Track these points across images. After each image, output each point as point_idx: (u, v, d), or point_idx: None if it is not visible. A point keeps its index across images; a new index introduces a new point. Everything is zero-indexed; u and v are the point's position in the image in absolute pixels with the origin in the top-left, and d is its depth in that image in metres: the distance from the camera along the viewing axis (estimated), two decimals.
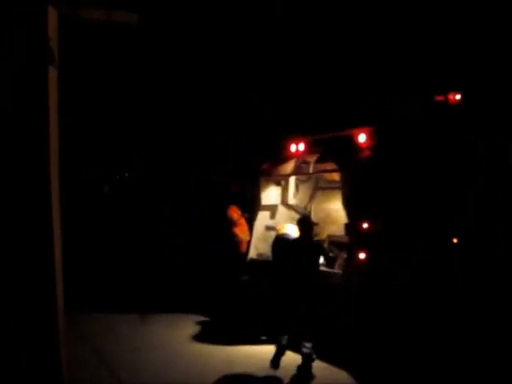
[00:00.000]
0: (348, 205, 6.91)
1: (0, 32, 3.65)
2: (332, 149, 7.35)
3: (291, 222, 8.09)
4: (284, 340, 6.19)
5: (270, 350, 6.43)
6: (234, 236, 8.71)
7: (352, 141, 7.16)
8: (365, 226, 6.67)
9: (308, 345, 6.10)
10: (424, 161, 7.13)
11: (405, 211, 6.91)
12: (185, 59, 11.45)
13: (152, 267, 10.19)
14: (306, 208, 9.07)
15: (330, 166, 7.54)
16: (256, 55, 11.20)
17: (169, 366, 6.32)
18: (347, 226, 6.90)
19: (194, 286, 9.42)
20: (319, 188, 9.29)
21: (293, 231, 7.47)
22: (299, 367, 6.14)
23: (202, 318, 8.67)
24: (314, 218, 8.70)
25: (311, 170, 8.49)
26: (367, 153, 7.10)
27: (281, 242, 7.45)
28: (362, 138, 7.16)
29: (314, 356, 6.13)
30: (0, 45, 3.66)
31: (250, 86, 11.27)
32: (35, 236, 3.71)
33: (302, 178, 8.98)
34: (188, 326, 8.28)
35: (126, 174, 12.79)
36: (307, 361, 6.11)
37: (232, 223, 8.75)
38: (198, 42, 11.28)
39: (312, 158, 8.26)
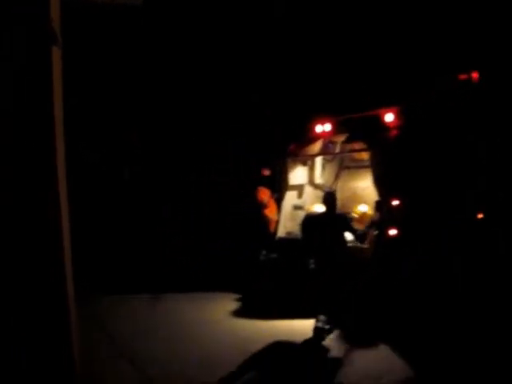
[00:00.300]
0: (378, 183, 7.12)
1: (1, 13, 3.59)
2: (361, 129, 7.52)
3: (318, 201, 8.36)
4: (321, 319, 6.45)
5: (304, 323, 6.74)
6: (264, 217, 8.92)
7: (379, 120, 7.34)
8: (395, 203, 6.89)
9: (322, 318, 6.38)
10: (449, 138, 7.28)
11: (431, 189, 7.09)
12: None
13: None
14: (331, 187, 9.27)
15: (359, 145, 7.73)
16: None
17: (215, 341, 6.57)
18: (378, 204, 7.12)
19: (224, 266, 9.68)
20: (344, 167, 9.49)
21: (321, 210, 7.74)
22: (311, 339, 6.40)
23: (236, 296, 8.95)
24: (339, 196, 8.91)
25: (338, 150, 8.70)
26: (394, 132, 7.29)
27: (308, 219, 7.70)
28: (389, 117, 7.34)
29: (330, 328, 6.39)
30: (1, 26, 3.59)
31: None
32: (43, 229, 3.62)
33: (328, 157, 9.18)
34: (224, 303, 8.58)
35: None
36: (319, 334, 6.38)
37: (262, 205, 8.96)
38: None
39: (339, 138, 8.47)
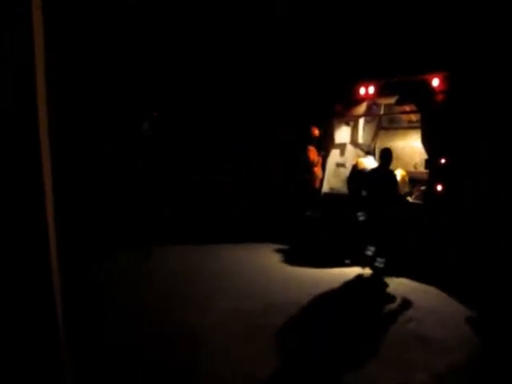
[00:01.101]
0: (427, 143, 7.78)
1: None
2: (410, 92, 8.12)
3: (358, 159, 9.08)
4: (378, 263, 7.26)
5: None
6: (313, 174, 9.56)
7: (427, 84, 7.93)
8: (442, 161, 7.58)
9: (381, 260, 7.19)
10: (491, 104, 7.82)
11: (474, 149, 7.74)
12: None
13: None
14: (370, 146, 9.92)
15: (410, 107, 8.36)
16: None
17: (268, 288, 7.19)
18: (427, 162, 7.80)
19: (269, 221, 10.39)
20: (381, 128, 10.12)
21: (370, 164, 8.44)
22: (371, 277, 7.29)
23: (284, 247, 9.69)
24: (377, 155, 9.59)
25: (382, 112, 9.33)
26: (440, 96, 7.90)
27: (360, 174, 8.38)
28: (435, 82, 7.94)
29: (384, 267, 7.19)
30: None
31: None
32: (28, 232, 3.42)
33: (368, 118, 9.80)
34: (273, 253, 9.34)
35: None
36: (378, 273, 7.22)
37: (312, 164, 9.58)
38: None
39: (382, 100, 9.09)
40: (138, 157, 11.88)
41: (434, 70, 8.03)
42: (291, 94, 11.26)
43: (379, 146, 9.98)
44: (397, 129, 9.80)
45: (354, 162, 8.91)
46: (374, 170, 7.71)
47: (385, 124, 10.06)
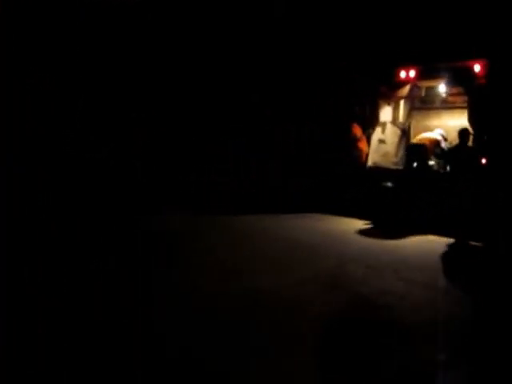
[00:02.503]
0: (474, 122, 8.94)
1: None
2: (455, 76, 9.23)
3: (396, 136, 10.18)
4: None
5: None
6: (358, 149, 10.61)
7: (470, 70, 9.06)
8: (485, 137, 8.77)
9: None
10: None
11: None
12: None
13: None
14: (405, 124, 11.02)
15: (457, 90, 9.50)
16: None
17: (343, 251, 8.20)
18: (474, 138, 8.95)
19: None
20: (415, 108, 11.23)
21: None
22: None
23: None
24: (412, 132, 10.73)
25: (424, 94, 10.44)
26: (482, 81, 9.05)
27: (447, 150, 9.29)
28: (477, 68, 9.08)
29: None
30: None
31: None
32: None
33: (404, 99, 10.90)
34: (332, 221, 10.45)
35: None
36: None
37: (356, 139, 10.61)
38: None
39: (424, 83, 10.21)
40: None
41: (475, 57, 9.16)
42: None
43: (414, 124, 11.13)
44: (429, 109, 10.93)
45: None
46: (457, 147, 8.70)
47: (417, 105, 11.17)
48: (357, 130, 10.64)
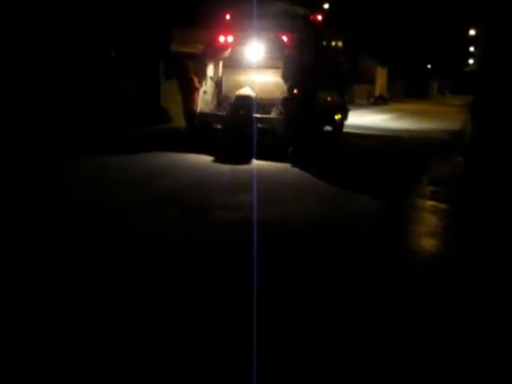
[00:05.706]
0: (286, 76, 11.92)
1: None
2: (269, 44, 12.01)
3: (211, 88, 12.88)
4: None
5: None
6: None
7: (281, 40, 11.95)
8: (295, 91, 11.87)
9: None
10: None
11: None
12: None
13: None
14: (218, 78, 13.47)
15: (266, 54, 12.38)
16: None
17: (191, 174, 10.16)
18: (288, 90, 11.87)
19: None
20: (229, 66, 13.77)
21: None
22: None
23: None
24: (225, 85, 13.29)
25: (239, 55, 13.08)
26: (291, 49, 12.02)
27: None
28: (285, 39, 12.03)
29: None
30: None
31: None
32: None
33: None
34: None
35: None
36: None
37: (196, 89, 12.74)
38: None
39: (241, 47, 12.82)
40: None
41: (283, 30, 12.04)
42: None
43: (225, 78, 13.69)
44: (236, 68, 13.58)
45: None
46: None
47: (228, 64, 13.71)
48: (196, 82, 12.71)
